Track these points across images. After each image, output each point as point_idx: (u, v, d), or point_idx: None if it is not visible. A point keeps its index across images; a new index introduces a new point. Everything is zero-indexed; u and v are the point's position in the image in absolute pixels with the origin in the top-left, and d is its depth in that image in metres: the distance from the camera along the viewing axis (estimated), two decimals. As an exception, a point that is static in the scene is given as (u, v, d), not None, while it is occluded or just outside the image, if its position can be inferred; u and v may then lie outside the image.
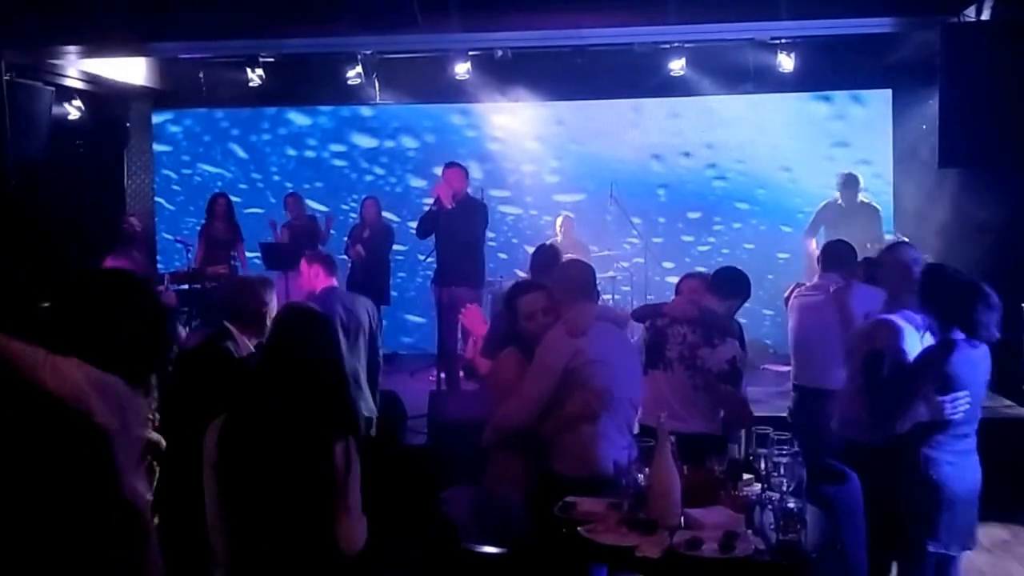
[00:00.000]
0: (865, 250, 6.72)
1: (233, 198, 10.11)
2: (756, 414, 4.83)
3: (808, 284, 5.94)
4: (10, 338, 2.36)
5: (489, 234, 8.52)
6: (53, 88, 8.99)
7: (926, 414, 3.94)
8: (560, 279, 4.35)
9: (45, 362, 2.43)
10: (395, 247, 10.17)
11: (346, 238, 9.88)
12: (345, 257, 9.88)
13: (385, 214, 10.11)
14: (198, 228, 10.03)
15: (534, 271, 5.37)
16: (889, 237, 8.60)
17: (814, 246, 8.60)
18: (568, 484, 3.83)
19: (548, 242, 5.49)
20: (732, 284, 4.98)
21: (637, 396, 4.37)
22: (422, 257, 9.90)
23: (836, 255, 5.74)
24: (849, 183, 8.87)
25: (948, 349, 3.91)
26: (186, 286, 8.91)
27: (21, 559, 2.47)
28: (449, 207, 7.65)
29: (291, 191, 10.42)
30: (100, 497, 2.52)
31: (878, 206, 9.02)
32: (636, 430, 4.37)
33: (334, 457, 2.85)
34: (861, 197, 8.94)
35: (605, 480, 3.79)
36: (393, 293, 10.20)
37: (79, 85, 9.64)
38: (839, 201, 8.89)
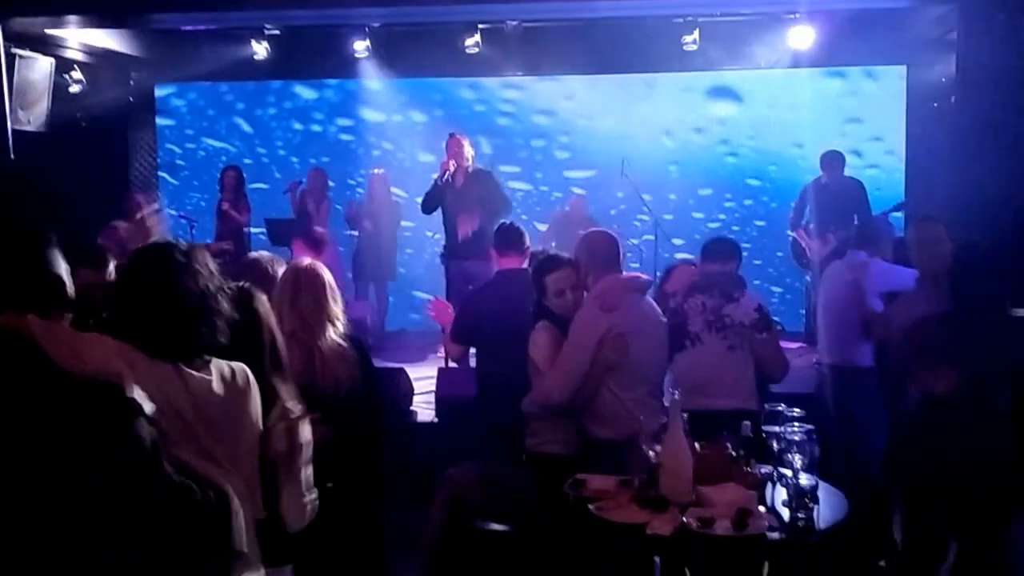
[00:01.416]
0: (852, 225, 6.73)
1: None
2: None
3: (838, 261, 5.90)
4: (32, 318, 2.28)
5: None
6: (53, 59, 8.90)
7: None
8: (586, 252, 4.40)
9: (71, 340, 2.35)
10: (403, 223, 10.12)
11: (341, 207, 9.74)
12: (353, 233, 9.85)
13: (393, 190, 10.05)
14: (202, 203, 9.96)
15: (498, 247, 5.31)
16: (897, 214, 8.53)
17: (802, 236, 8.60)
18: (607, 447, 3.98)
19: (510, 221, 5.45)
20: (723, 247, 5.00)
21: (665, 360, 4.50)
22: (429, 234, 9.85)
23: (864, 233, 5.75)
24: (834, 161, 8.77)
25: None
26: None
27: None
28: (451, 178, 7.64)
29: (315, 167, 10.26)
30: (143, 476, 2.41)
31: (861, 180, 8.92)
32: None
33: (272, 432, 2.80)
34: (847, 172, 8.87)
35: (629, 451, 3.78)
36: (401, 270, 10.17)
37: (80, 57, 9.54)
38: (823, 180, 8.78)
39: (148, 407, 2.32)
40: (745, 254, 5.27)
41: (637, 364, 4.20)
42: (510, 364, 4.49)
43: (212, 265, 2.70)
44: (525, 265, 5.04)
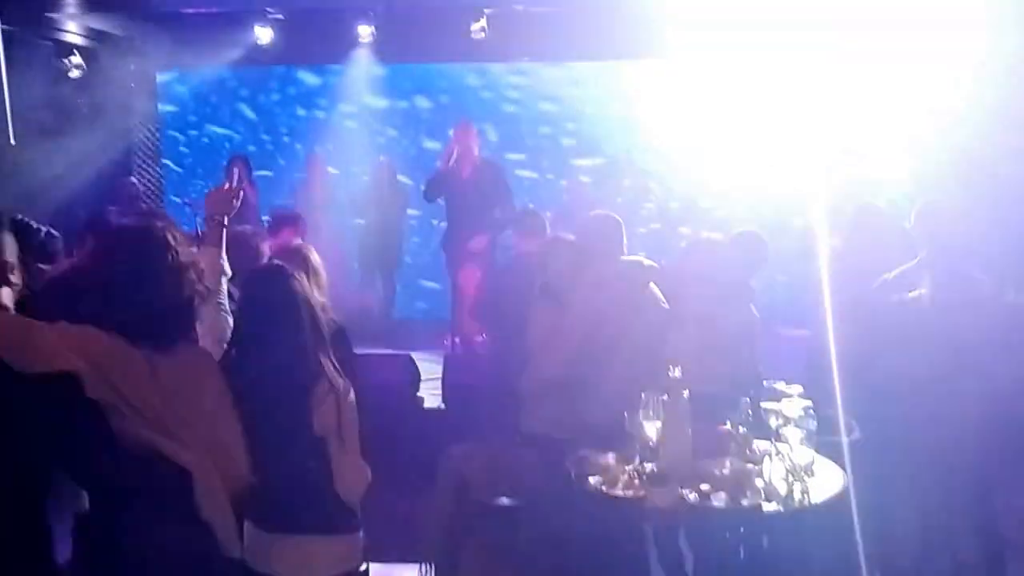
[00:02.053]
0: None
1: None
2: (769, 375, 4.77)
3: None
4: None
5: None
6: (52, 43, 8.87)
7: None
8: (587, 233, 4.45)
9: (29, 332, 2.39)
10: (409, 212, 10.09)
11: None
12: (359, 221, 9.82)
13: (399, 177, 10.02)
14: (206, 191, 9.87)
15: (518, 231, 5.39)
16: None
17: None
18: (600, 426, 3.93)
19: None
20: (748, 245, 5.01)
21: (662, 348, 4.36)
22: (435, 222, 9.83)
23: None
24: None
25: None
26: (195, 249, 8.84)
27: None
28: (456, 166, 7.64)
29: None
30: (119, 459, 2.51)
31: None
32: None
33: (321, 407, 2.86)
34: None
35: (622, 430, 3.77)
36: (407, 259, 10.15)
37: (80, 42, 9.52)
38: None
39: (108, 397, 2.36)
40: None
41: (631, 346, 4.16)
42: (521, 347, 4.54)
43: (186, 248, 2.72)
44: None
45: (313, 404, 2.86)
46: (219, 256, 3.22)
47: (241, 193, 3.41)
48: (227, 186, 3.41)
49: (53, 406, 2.43)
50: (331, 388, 2.92)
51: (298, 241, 5.39)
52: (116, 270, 2.62)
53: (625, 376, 4.09)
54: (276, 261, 3.17)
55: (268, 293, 2.97)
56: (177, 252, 2.67)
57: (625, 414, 3.63)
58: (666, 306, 4.52)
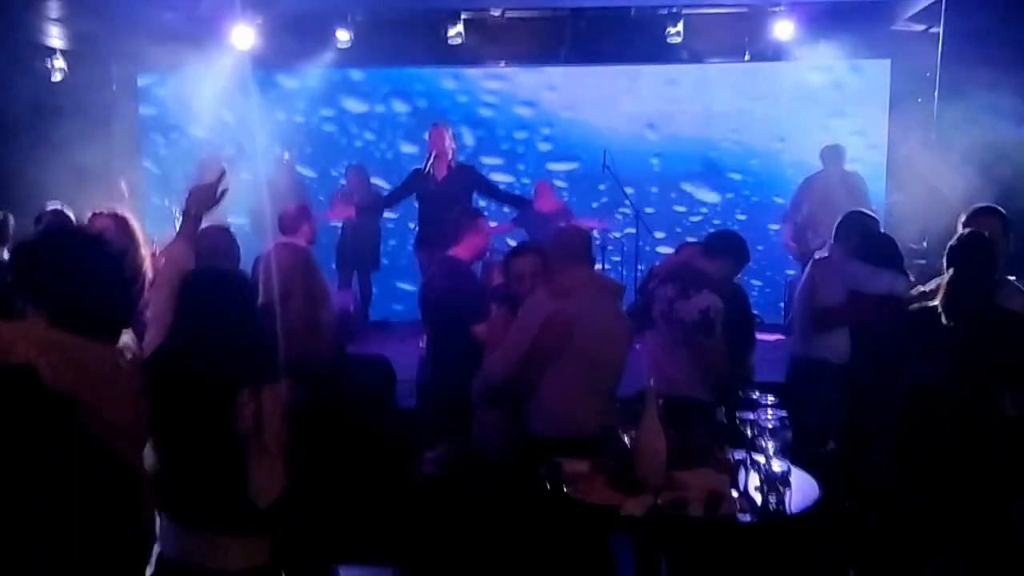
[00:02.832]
0: None
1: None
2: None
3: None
4: None
5: (480, 203, 8.47)
6: (36, 47, 8.84)
7: None
8: (555, 244, 4.40)
9: None
10: (386, 214, 10.08)
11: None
12: (336, 224, 9.80)
13: (375, 180, 10.00)
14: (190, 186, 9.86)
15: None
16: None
17: (788, 236, 8.62)
18: (544, 445, 3.88)
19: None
20: (720, 243, 4.99)
21: (621, 364, 4.34)
22: (412, 225, 9.80)
23: (838, 225, 5.71)
24: (835, 154, 8.78)
25: None
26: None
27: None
28: (431, 169, 7.70)
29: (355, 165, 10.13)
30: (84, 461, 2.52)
31: (862, 176, 8.93)
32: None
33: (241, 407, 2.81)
34: (846, 167, 8.86)
35: (578, 443, 3.78)
36: (384, 261, 10.13)
37: (62, 45, 9.49)
38: (823, 173, 8.80)
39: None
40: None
41: (580, 357, 4.05)
42: (453, 350, 4.70)
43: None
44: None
45: (238, 405, 2.80)
46: (189, 250, 3.24)
47: (223, 191, 3.40)
48: (212, 182, 3.40)
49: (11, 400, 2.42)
50: (255, 391, 2.85)
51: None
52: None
53: (568, 390, 4.07)
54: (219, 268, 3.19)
55: (215, 294, 2.96)
56: (105, 244, 2.71)
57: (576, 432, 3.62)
58: (628, 320, 4.52)
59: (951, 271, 4.01)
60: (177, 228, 3.36)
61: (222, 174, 3.34)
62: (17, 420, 2.45)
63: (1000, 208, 4.50)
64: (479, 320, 4.84)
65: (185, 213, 3.33)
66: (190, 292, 2.96)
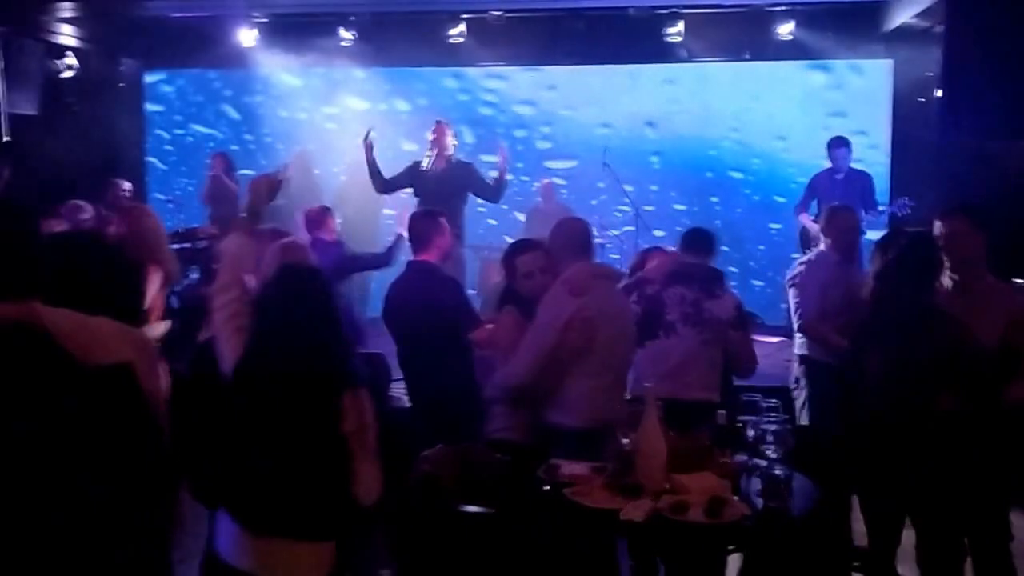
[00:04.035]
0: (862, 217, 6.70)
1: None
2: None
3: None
4: (38, 305, 2.12)
5: (477, 200, 8.45)
6: (45, 44, 8.88)
7: None
8: (557, 237, 4.37)
9: (81, 328, 2.29)
10: (385, 211, 10.08)
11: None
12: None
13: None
14: (190, 188, 9.97)
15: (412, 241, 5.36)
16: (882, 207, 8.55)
17: (807, 220, 8.55)
18: (568, 435, 3.91)
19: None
20: (703, 241, 5.04)
21: (633, 350, 4.43)
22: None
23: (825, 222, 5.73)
24: (843, 148, 8.73)
25: None
26: (176, 246, 8.89)
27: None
28: (431, 164, 7.82)
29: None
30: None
31: (869, 172, 8.91)
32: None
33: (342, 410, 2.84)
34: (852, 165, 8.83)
35: (600, 432, 3.79)
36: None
37: (72, 43, 9.53)
38: (832, 168, 8.76)
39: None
40: (726, 248, 5.30)
41: (603, 351, 4.11)
42: (427, 356, 4.71)
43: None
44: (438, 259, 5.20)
45: (344, 405, 2.84)
46: (249, 244, 3.21)
47: (281, 184, 3.40)
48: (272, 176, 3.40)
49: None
50: (356, 391, 2.90)
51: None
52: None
53: (594, 384, 4.10)
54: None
55: (305, 290, 2.96)
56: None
57: (600, 423, 3.62)
58: (632, 309, 4.54)
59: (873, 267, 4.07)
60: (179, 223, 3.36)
61: (283, 168, 3.35)
62: (123, 419, 2.35)
63: (970, 208, 4.46)
64: (475, 326, 4.81)
65: (249, 207, 3.32)
66: (291, 291, 2.96)
